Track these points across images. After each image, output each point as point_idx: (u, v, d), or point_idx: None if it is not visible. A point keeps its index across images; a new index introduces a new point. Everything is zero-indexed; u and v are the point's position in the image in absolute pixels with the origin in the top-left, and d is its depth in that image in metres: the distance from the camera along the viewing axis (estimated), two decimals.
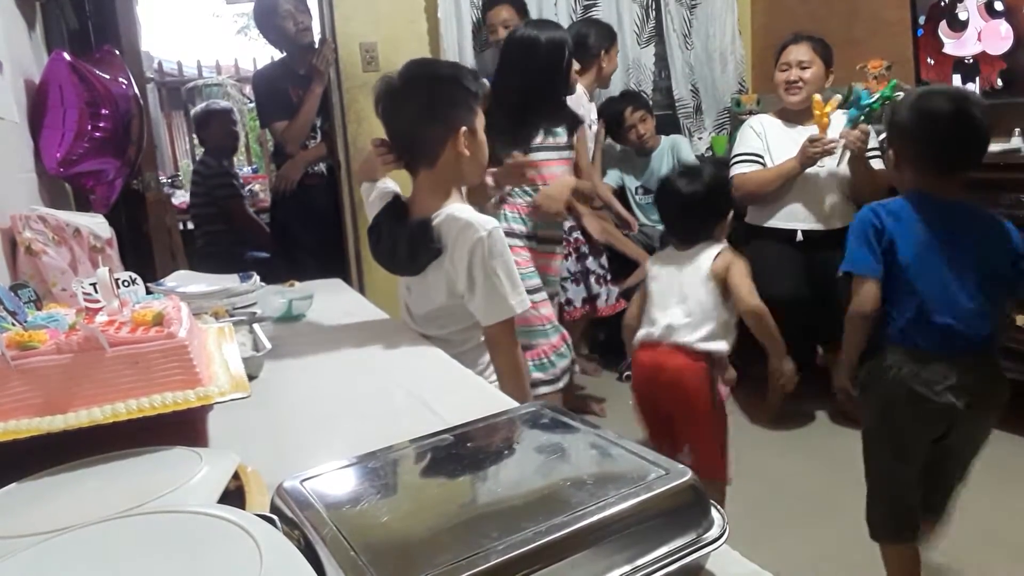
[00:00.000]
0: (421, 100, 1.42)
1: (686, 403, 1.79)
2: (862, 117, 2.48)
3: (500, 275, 1.39)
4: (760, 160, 2.76)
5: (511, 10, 3.09)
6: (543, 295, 2.38)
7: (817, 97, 2.55)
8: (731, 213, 1.93)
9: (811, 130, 2.62)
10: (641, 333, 1.89)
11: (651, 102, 3.68)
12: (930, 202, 1.50)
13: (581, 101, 2.84)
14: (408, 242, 1.47)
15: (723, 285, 1.80)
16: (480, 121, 1.48)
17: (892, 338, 1.53)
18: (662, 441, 1.87)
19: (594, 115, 3.03)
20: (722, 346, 1.81)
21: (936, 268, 1.47)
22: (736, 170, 2.80)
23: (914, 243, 1.48)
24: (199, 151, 4.50)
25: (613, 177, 3.44)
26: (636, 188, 3.44)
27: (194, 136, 5.13)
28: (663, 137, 3.44)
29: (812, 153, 2.54)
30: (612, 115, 3.31)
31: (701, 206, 1.85)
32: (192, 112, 4.43)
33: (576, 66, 2.51)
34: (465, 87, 1.43)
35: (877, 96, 2.47)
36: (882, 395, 1.53)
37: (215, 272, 1.88)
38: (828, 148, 2.51)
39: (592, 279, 2.91)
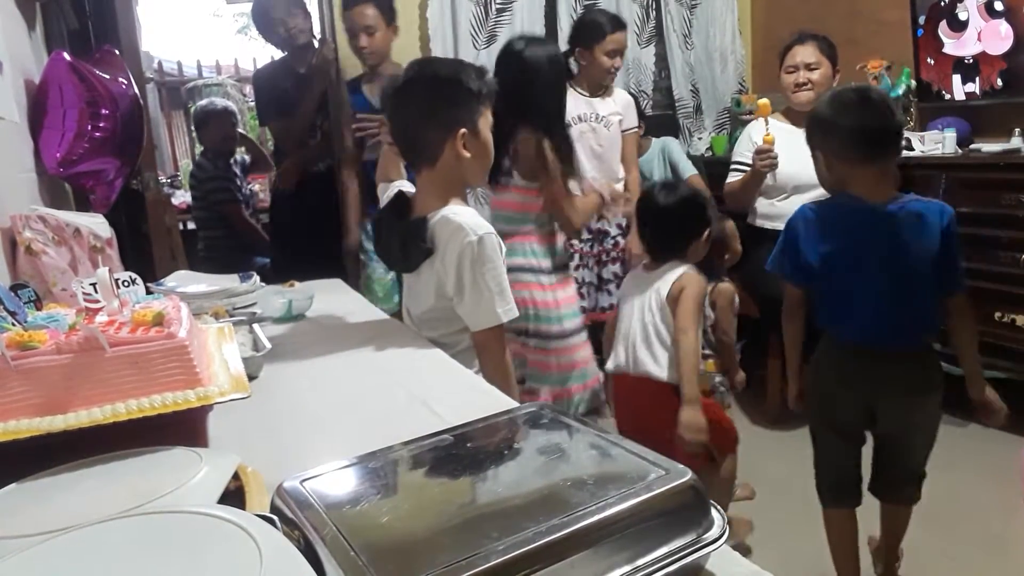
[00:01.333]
0: (420, 100, 1.42)
1: (663, 428, 1.75)
2: None
3: (488, 282, 1.38)
4: (748, 170, 2.77)
5: (375, 11, 2.72)
6: (584, 335, 2.23)
7: (764, 101, 2.51)
8: (707, 233, 1.90)
9: None
10: (610, 363, 1.90)
11: (652, 102, 3.67)
12: (847, 205, 1.58)
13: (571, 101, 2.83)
14: (401, 239, 1.47)
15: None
16: (484, 122, 1.46)
17: (820, 325, 1.66)
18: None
19: (605, 111, 2.87)
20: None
21: (843, 268, 1.56)
22: (728, 179, 2.82)
23: (822, 245, 1.58)
24: (199, 150, 4.45)
25: None
26: None
27: (193, 133, 5.09)
28: (653, 139, 3.41)
29: (760, 166, 2.52)
30: None
31: (675, 221, 1.85)
32: (192, 110, 4.35)
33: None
34: (467, 87, 1.41)
35: None
36: (816, 382, 1.68)
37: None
38: (775, 160, 2.48)
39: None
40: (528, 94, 2.06)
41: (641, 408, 1.83)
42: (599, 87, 2.87)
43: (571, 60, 2.83)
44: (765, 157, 2.48)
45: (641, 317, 1.82)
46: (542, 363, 2.15)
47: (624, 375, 1.85)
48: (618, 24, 2.84)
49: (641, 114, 3.36)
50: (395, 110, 1.46)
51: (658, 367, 1.78)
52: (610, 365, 1.90)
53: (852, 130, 1.54)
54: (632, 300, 1.87)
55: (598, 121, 2.83)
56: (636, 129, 2.96)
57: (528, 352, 2.14)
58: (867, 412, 1.61)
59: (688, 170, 3.28)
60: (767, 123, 2.52)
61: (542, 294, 2.14)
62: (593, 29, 2.80)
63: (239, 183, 3.74)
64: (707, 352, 2.07)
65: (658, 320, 1.80)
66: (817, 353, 1.67)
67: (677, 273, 1.80)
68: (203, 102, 4.02)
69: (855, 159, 1.55)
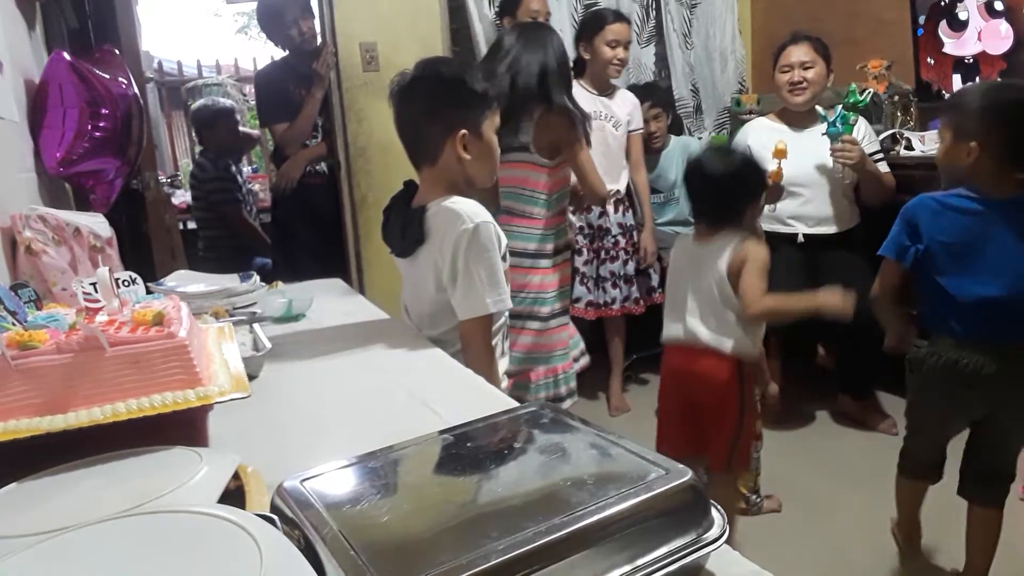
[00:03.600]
0: (423, 99, 1.43)
1: (715, 402, 1.78)
2: (843, 128, 2.49)
3: (481, 271, 1.38)
4: None
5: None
6: (566, 319, 2.26)
7: (781, 146, 2.45)
8: (762, 197, 1.89)
9: (814, 133, 2.61)
10: (665, 334, 1.87)
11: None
12: (968, 198, 1.57)
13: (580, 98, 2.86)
14: (402, 224, 1.49)
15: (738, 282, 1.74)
16: (489, 124, 1.46)
17: (928, 324, 1.67)
18: (687, 434, 1.86)
19: (616, 111, 2.89)
20: (745, 346, 1.77)
21: (963, 262, 1.56)
22: None
23: (942, 236, 1.58)
24: (199, 150, 4.43)
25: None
26: None
27: (194, 134, 5.06)
28: (673, 137, 3.40)
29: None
30: None
31: (728, 187, 1.78)
32: (192, 108, 4.31)
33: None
34: (471, 89, 1.42)
35: (836, 115, 2.51)
36: (923, 376, 1.67)
37: None
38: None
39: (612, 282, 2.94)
40: (541, 70, 2.01)
41: (695, 379, 1.80)
42: (606, 83, 2.87)
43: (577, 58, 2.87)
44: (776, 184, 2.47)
45: (698, 290, 1.79)
46: (517, 343, 2.11)
47: (677, 347, 1.83)
48: (619, 16, 2.87)
49: (670, 109, 3.36)
50: (400, 107, 1.47)
51: (718, 340, 1.75)
52: (666, 335, 1.87)
53: (1016, 139, 1.51)
54: (686, 272, 1.83)
55: (608, 120, 2.83)
56: (641, 130, 2.97)
57: (519, 334, 2.12)
58: (971, 408, 1.65)
59: None
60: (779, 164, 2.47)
61: (541, 278, 2.17)
62: (594, 20, 2.85)
63: (239, 183, 3.74)
64: None
65: (716, 293, 1.75)
66: (925, 354, 1.66)
67: (735, 243, 1.74)
68: (204, 101, 3.99)
69: (1005, 164, 1.53)
